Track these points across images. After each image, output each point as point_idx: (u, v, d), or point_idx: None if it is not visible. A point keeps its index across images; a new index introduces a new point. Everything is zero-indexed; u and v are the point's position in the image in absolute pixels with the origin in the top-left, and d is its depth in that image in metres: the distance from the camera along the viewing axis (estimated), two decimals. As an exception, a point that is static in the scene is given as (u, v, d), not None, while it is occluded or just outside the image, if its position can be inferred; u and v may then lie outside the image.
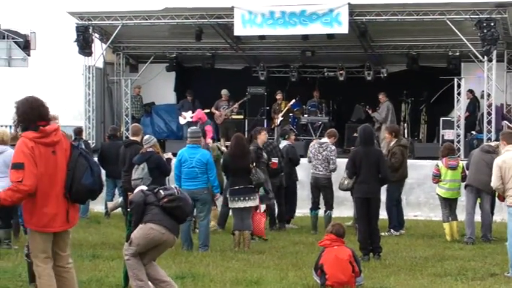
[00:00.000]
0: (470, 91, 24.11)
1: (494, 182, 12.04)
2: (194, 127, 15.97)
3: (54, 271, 8.08)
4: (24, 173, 7.61)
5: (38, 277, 8.06)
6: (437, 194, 16.20)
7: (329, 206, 16.82)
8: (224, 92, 25.29)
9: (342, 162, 15.40)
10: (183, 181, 13.91)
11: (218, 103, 25.22)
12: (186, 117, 24.79)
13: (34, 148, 7.74)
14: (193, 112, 24.56)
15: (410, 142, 23.75)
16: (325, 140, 17.08)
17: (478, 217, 15.70)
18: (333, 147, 16.86)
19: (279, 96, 25.50)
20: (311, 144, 17.25)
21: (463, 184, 15.76)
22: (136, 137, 15.60)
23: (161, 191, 9.45)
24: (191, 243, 14.01)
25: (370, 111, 24.46)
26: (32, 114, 7.85)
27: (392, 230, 16.51)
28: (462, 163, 16.10)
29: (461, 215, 15.91)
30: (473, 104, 24.37)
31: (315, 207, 16.98)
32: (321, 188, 16.82)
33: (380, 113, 24.17)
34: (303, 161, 17.80)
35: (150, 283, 9.47)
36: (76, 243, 13.93)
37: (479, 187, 15.25)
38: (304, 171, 18.47)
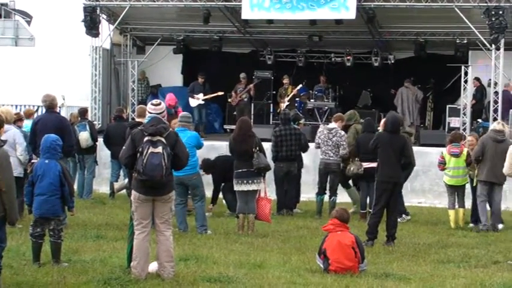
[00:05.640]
0: (477, 79, 24.04)
1: (506, 169, 12.13)
2: (186, 112, 15.65)
3: None
4: None
5: None
6: (444, 181, 16.21)
7: (333, 192, 16.81)
8: (242, 75, 25.49)
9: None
10: None
11: (236, 86, 25.41)
12: (199, 98, 24.76)
13: None
14: (204, 94, 24.62)
15: (416, 129, 23.82)
16: (333, 125, 16.98)
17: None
18: (342, 133, 16.77)
19: (285, 80, 25.48)
20: (319, 130, 17.13)
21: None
22: (141, 119, 15.51)
23: None
24: (187, 225, 13.94)
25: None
26: None
27: (403, 215, 16.45)
28: (466, 150, 15.99)
29: (467, 202, 15.93)
30: (480, 92, 24.31)
31: (321, 192, 16.96)
32: (330, 173, 16.77)
33: None
34: (310, 145, 17.77)
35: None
36: (80, 224, 13.99)
37: (495, 181, 15.16)
38: (308, 156, 18.47)
